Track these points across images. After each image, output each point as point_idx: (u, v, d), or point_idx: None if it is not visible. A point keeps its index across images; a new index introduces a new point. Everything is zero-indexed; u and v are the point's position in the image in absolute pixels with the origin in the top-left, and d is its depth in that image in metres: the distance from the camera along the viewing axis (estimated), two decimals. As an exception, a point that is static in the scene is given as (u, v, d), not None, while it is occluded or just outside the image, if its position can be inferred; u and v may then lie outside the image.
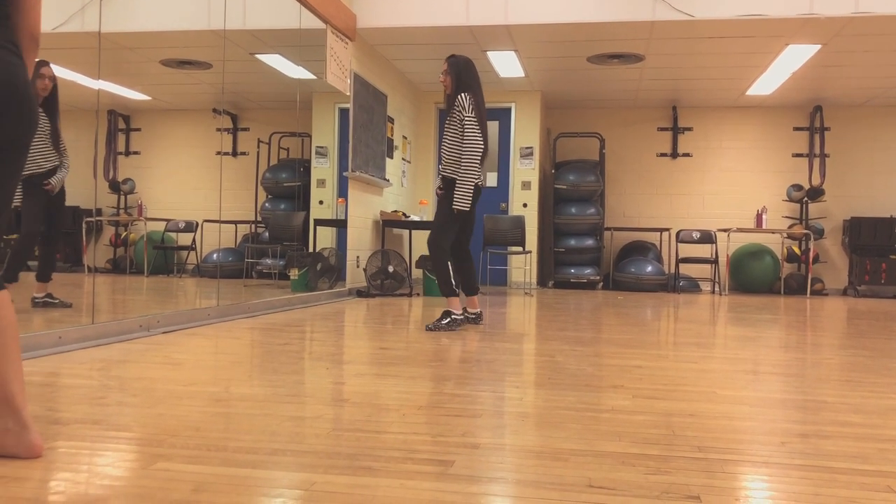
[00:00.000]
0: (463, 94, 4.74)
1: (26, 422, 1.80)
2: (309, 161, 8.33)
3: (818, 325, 5.80)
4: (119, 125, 7.32)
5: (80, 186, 5.37)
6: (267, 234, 8.35)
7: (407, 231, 9.59)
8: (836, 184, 10.63)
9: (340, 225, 7.93)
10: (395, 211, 8.86)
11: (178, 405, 2.39)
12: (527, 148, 10.21)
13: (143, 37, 6.19)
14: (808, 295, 9.83)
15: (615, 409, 2.47)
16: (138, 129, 7.23)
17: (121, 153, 7.53)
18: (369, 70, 8.33)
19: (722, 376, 3.18)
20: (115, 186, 7.57)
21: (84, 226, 6.28)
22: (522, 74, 9.26)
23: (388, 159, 8.99)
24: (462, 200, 4.72)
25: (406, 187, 10.01)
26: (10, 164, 1.80)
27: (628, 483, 1.69)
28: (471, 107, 4.71)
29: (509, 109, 10.26)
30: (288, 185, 8.38)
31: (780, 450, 2.00)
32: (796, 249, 10.35)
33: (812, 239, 10.05)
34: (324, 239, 8.08)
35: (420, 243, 9.95)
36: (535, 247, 10.10)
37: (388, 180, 8.89)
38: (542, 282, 10.67)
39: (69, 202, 5.10)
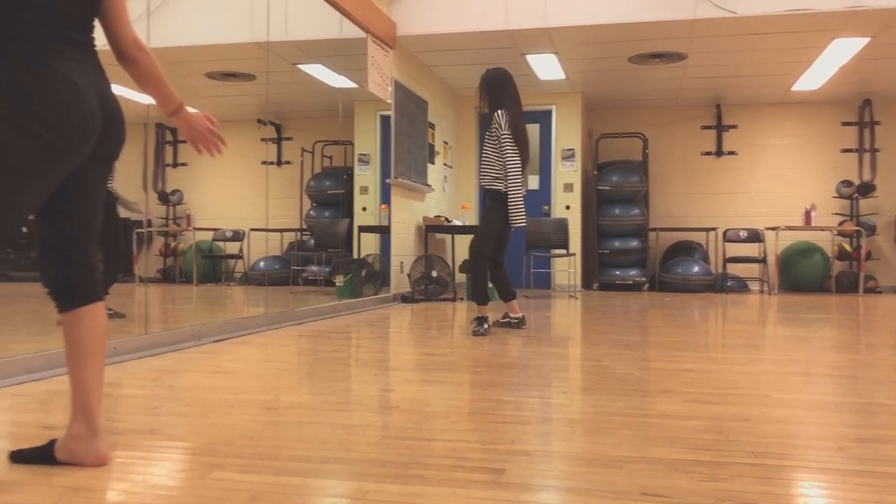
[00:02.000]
0: (499, 112, 4.84)
1: (98, 429, 1.84)
2: (352, 168, 8.39)
3: (872, 324, 5.66)
4: (167, 138, 7.47)
5: (131, 198, 5.48)
6: (312, 241, 8.43)
7: (450, 236, 9.60)
8: (887, 179, 10.36)
9: (384, 231, 7.98)
10: (438, 216, 8.88)
11: (231, 414, 2.43)
12: (568, 150, 10.16)
13: (188, 51, 6.30)
14: (860, 293, 9.61)
15: (666, 415, 2.44)
16: (185, 142, 7.38)
17: (168, 165, 7.69)
18: (410, 77, 8.37)
19: (774, 379, 3.13)
20: (163, 198, 7.72)
21: (135, 237, 6.42)
22: (563, 76, 9.22)
23: (429, 165, 9.02)
24: (517, 216, 4.87)
25: (448, 192, 10.03)
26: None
27: (683, 490, 1.67)
28: (506, 124, 4.80)
29: (550, 112, 10.21)
30: (332, 193, 8.46)
31: (838, 455, 1.96)
32: (847, 247, 10.12)
33: (864, 235, 9.82)
34: (368, 245, 8.14)
35: (463, 248, 9.95)
36: (578, 249, 10.03)
37: (430, 186, 8.92)
38: (586, 284, 10.59)
39: (121, 214, 5.21)
